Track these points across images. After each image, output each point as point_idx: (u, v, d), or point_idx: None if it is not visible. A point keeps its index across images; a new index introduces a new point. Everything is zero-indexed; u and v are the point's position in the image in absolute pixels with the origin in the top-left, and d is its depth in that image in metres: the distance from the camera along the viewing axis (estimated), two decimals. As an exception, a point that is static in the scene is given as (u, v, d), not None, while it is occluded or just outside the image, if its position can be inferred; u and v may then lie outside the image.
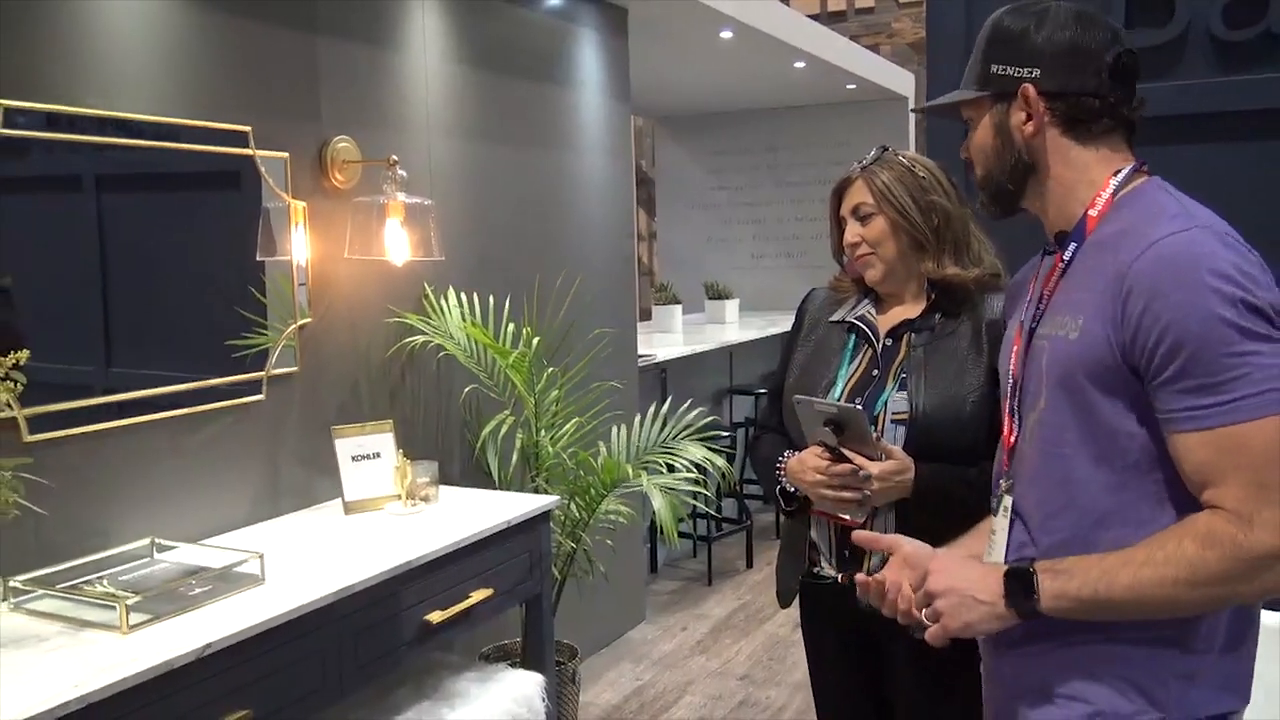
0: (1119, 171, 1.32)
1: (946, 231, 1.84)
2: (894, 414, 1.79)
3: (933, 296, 1.85)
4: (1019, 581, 1.23)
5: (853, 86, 7.05)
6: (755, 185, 8.12)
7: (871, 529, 1.79)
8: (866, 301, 1.93)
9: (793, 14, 5.74)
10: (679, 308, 6.19)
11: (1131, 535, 1.22)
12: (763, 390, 5.83)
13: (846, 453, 1.73)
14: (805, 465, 1.79)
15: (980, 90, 1.37)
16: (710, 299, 6.78)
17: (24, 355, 1.76)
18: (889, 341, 1.87)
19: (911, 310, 1.87)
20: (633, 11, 4.21)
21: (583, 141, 3.92)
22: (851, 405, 1.75)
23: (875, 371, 1.85)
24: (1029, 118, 1.33)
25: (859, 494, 1.73)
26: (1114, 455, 1.24)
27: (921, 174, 1.84)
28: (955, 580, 1.28)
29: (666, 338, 5.77)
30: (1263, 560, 1.13)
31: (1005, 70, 1.34)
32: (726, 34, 5.12)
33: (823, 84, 6.82)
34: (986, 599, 1.24)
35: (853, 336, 1.91)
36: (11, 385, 1.75)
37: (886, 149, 1.90)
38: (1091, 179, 1.33)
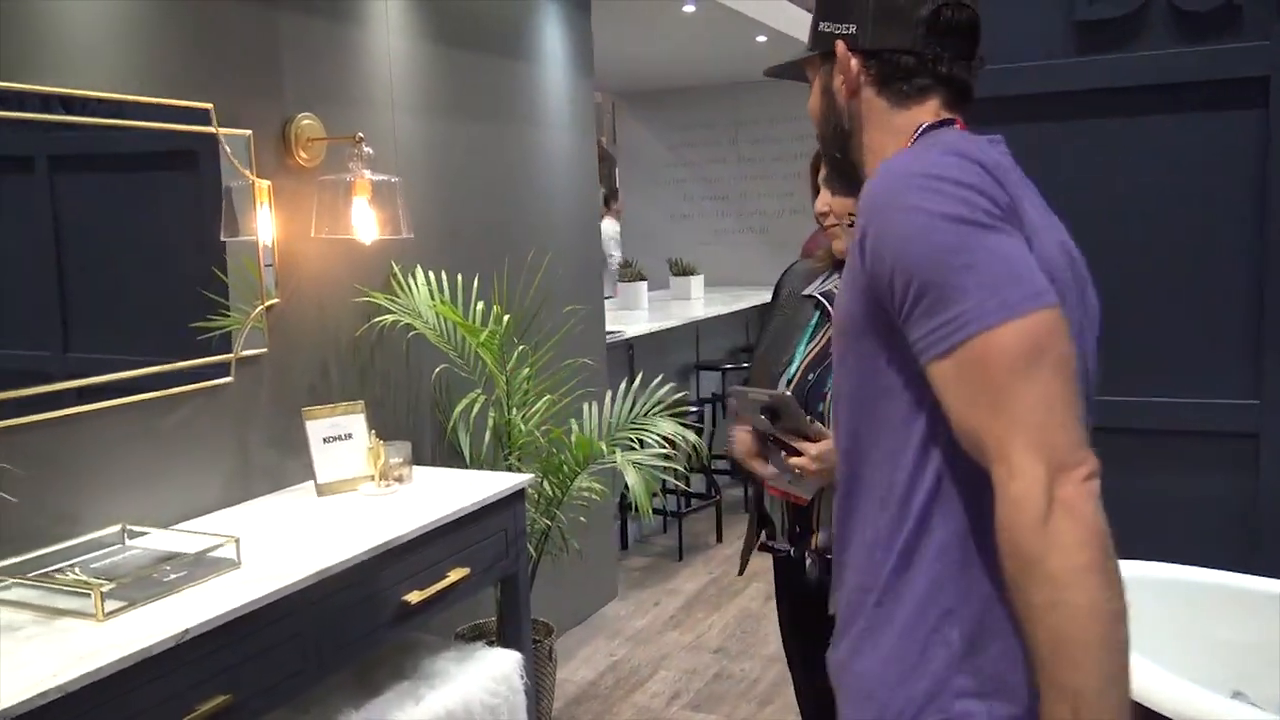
0: (921, 130, 1.19)
1: None
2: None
3: None
4: None
5: (814, 61, 7.05)
6: (717, 161, 8.12)
7: (820, 506, 1.84)
8: (837, 275, 1.93)
9: (754, -13, 5.72)
10: (644, 284, 6.18)
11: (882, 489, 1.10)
12: (729, 365, 5.85)
13: (783, 436, 1.76)
14: (744, 448, 1.84)
15: (811, 49, 1.28)
16: (675, 275, 6.78)
17: (-11, 340, 1.72)
18: None
19: None
20: (595, -15, 4.18)
21: (547, 117, 3.88)
22: (782, 393, 1.77)
23: (832, 348, 1.85)
24: (845, 78, 1.23)
25: (789, 474, 1.77)
26: (878, 408, 1.12)
27: None
28: None
29: (633, 314, 5.76)
30: (1044, 517, 0.93)
31: (828, 28, 1.24)
32: (689, 8, 5.09)
33: (785, 58, 6.82)
34: None
35: (818, 312, 1.92)
36: (-23, 371, 1.71)
37: None
38: (901, 143, 1.20)
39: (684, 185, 8.23)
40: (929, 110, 1.21)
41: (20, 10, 2.08)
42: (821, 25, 1.25)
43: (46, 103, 2.13)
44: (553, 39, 3.91)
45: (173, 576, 1.97)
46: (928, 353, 1.01)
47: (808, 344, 1.89)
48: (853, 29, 1.21)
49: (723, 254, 7.93)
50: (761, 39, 6.07)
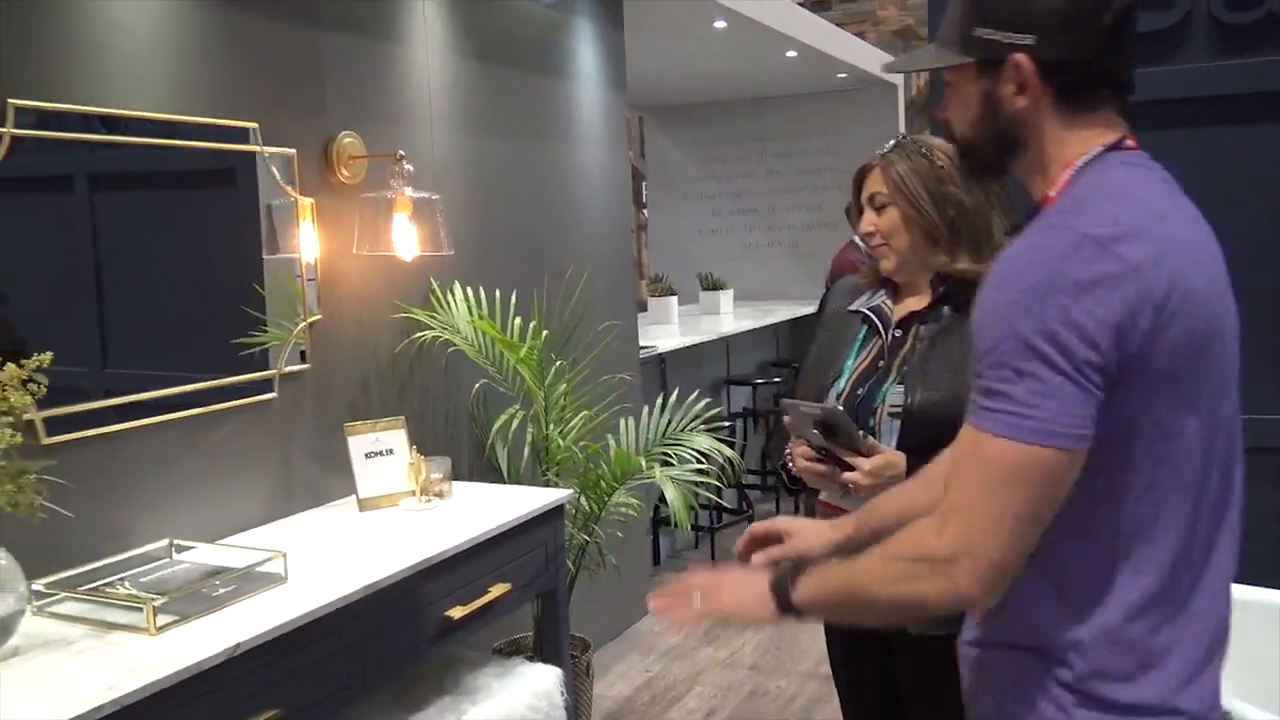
0: (1085, 161, 1.18)
1: (963, 224, 1.80)
2: (891, 407, 1.79)
3: (940, 290, 1.83)
4: (778, 592, 1.29)
5: (844, 75, 7.06)
6: (746, 175, 8.13)
7: None
8: (883, 292, 1.93)
9: (785, 2, 5.74)
10: (675, 299, 6.20)
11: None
12: (760, 380, 5.85)
13: (837, 451, 1.75)
14: (800, 460, 1.83)
15: (962, 54, 1.21)
16: (705, 290, 6.79)
17: (47, 358, 1.74)
18: (898, 333, 1.87)
19: (923, 302, 1.86)
20: (627, 2, 4.20)
21: (581, 133, 3.91)
22: (834, 407, 1.77)
23: (881, 362, 1.85)
24: (1021, 89, 1.17)
25: (841, 488, 1.77)
26: None
27: (940, 164, 1.81)
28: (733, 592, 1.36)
29: (664, 329, 5.77)
30: (934, 562, 1.09)
31: (993, 35, 1.17)
32: (720, 24, 5.12)
33: (813, 73, 6.83)
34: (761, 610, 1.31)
35: (866, 326, 1.92)
36: (35, 388, 1.73)
37: (906, 137, 1.89)
38: (1068, 156, 1.18)
39: (713, 200, 8.25)
40: (1102, 123, 1.19)
41: (62, 30, 2.12)
42: (980, 31, 1.19)
43: (86, 122, 2.16)
44: (586, 55, 3.93)
45: (222, 591, 1.99)
46: (967, 414, 1.13)
47: (856, 358, 1.89)
48: (1031, 39, 1.15)
49: (751, 268, 7.93)
50: (791, 54, 6.09)
